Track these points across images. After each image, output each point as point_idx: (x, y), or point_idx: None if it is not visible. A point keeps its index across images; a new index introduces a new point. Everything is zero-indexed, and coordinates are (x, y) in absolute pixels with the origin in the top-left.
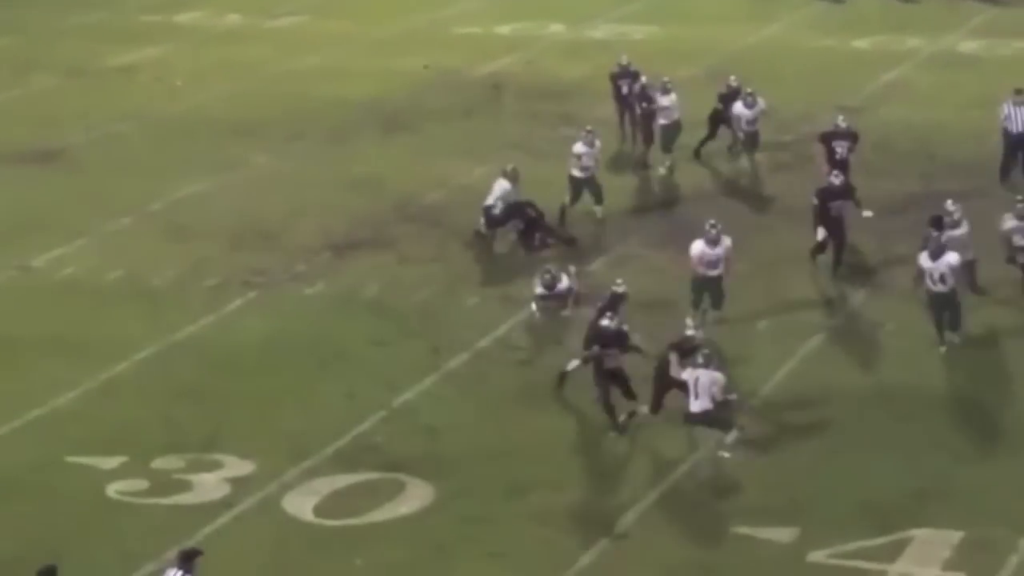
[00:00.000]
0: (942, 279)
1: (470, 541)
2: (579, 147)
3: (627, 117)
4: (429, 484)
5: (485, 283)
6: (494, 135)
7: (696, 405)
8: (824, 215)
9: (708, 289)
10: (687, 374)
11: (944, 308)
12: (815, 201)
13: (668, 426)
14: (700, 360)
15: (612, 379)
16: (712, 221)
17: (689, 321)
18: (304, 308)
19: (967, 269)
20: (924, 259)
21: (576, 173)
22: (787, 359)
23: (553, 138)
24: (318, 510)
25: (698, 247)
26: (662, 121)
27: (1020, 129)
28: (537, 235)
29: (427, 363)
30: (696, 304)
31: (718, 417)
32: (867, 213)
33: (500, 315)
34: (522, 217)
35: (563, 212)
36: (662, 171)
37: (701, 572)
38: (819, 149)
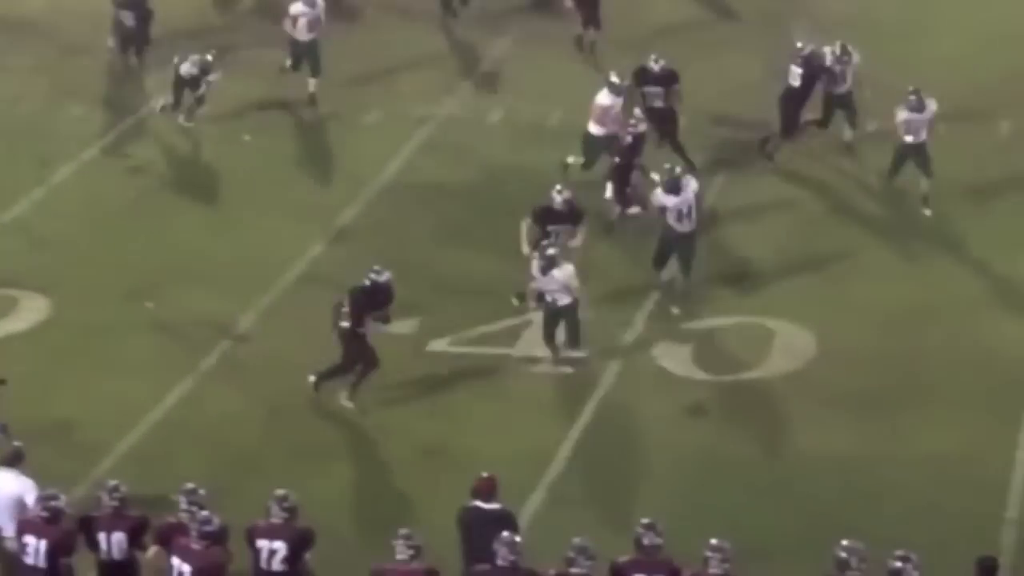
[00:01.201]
0: (689, 215)
1: (88, 352)
2: (298, 7)
3: None
4: (43, 297)
5: (90, 92)
6: None
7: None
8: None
9: None
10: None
11: (684, 250)
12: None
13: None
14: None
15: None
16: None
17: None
18: None
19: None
20: (661, 195)
21: (299, 37)
22: (397, 156)
23: None
24: None
25: None
26: None
27: None
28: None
29: (34, 176)
30: None
31: None
32: None
33: (107, 124)
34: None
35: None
36: None
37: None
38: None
